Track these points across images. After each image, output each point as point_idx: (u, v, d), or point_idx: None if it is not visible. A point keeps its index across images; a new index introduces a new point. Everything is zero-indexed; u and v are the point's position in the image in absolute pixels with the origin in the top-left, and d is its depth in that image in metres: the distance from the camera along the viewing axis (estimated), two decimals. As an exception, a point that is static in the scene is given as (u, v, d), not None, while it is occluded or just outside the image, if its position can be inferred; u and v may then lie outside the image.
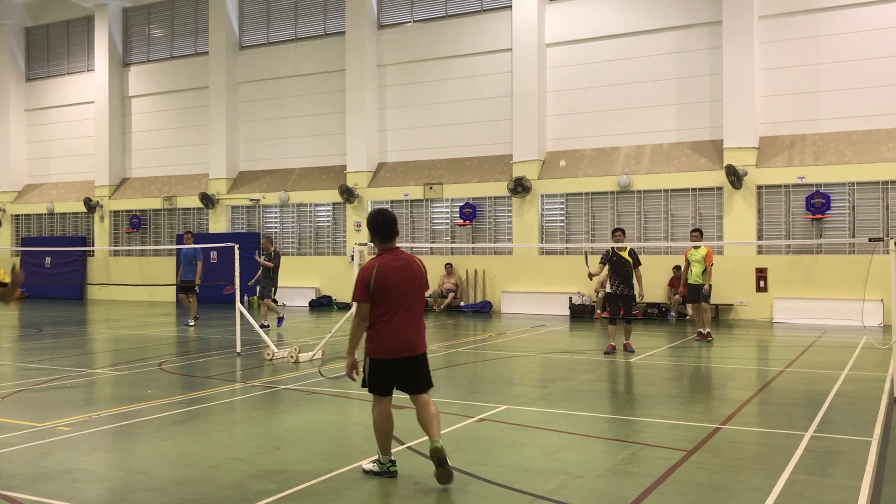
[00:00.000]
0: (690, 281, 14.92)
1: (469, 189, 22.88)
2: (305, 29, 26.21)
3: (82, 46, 30.91)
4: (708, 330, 14.85)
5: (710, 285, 15.01)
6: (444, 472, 5.79)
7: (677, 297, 19.47)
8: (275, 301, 17.45)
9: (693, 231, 15.14)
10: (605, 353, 13.00)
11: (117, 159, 29.53)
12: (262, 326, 17.02)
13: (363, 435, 7.46)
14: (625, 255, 13.03)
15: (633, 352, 12.95)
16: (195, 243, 19.69)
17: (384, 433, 6.08)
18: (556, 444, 7.08)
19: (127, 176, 29.76)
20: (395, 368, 6.00)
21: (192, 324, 18.01)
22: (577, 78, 21.84)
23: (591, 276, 13.56)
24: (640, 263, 13.30)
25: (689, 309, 18.52)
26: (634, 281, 13.19)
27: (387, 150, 24.69)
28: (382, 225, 6.05)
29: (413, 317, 6.08)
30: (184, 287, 18.26)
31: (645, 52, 21.05)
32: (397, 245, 6.13)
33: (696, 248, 14.75)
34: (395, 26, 24.56)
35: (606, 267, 13.26)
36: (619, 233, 13.10)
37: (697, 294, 14.88)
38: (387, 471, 6.11)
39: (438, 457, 5.79)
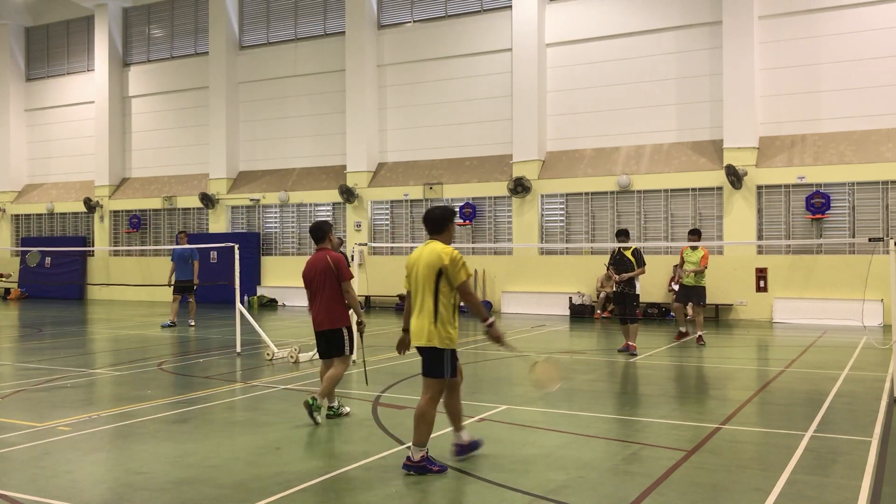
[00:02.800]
0: (685, 282, 14.59)
1: (469, 189, 22.88)
2: (305, 29, 26.22)
3: (82, 46, 30.91)
4: (684, 329, 14.59)
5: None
6: (312, 418, 7.74)
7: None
8: None
9: (691, 232, 14.62)
10: (619, 350, 13.05)
11: (117, 159, 29.54)
12: None
13: (363, 434, 7.47)
14: (628, 254, 13.00)
15: (636, 355, 12.77)
16: (189, 243, 19.67)
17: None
18: (556, 444, 7.08)
19: (127, 176, 29.77)
20: (318, 339, 8.12)
21: (193, 323, 17.98)
22: (577, 78, 21.84)
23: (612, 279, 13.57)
24: (643, 264, 13.21)
25: (690, 309, 18.53)
26: (636, 280, 13.14)
27: (387, 150, 24.70)
28: (317, 231, 8.21)
29: (320, 300, 7.93)
30: (179, 287, 17.99)
31: (645, 52, 21.05)
32: (325, 245, 8.14)
33: (693, 248, 14.40)
34: (395, 26, 24.56)
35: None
36: (623, 236, 13.21)
37: (689, 295, 14.58)
38: (335, 413, 8.06)
39: (306, 406, 7.74)
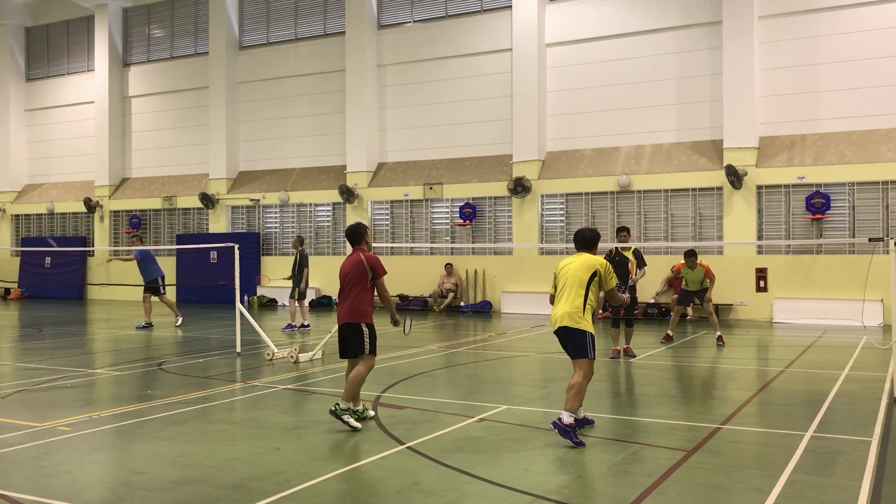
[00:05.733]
0: (689, 288, 14.55)
1: (469, 189, 22.88)
2: (305, 29, 26.22)
3: (82, 46, 30.91)
4: (671, 333, 14.62)
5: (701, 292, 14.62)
6: (346, 423, 7.62)
7: (675, 297, 19.46)
8: (298, 302, 17.43)
9: (688, 254, 14.27)
10: (611, 357, 12.53)
11: (117, 159, 29.54)
12: (302, 326, 17.38)
13: (363, 434, 7.47)
14: (628, 254, 12.63)
15: (635, 356, 12.63)
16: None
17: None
18: (556, 443, 7.08)
19: (127, 176, 29.77)
20: (339, 336, 8.08)
21: (179, 323, 17.84)
22: (577, 78, 21.84)
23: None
24: (644, 264, 13.01)
25: (689, 310, 18.61)
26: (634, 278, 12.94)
27: (387, 150, 24.70)
28: (353, 234, 8.25)
29: (346, 295, 7.98)
30: (149, 288, 17.96)
31: (645, 52, 21.05)
32: (361, 246, 8.16)
33: (690, 267, 14.16)
34: (395, 26, 24.56)
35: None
36: (624, 232, 12.70)
37: (694, 298, 14.76)
38: (360, 417, 7.88)
39: (333, 414, 7.65)
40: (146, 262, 18.00)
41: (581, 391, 7.27)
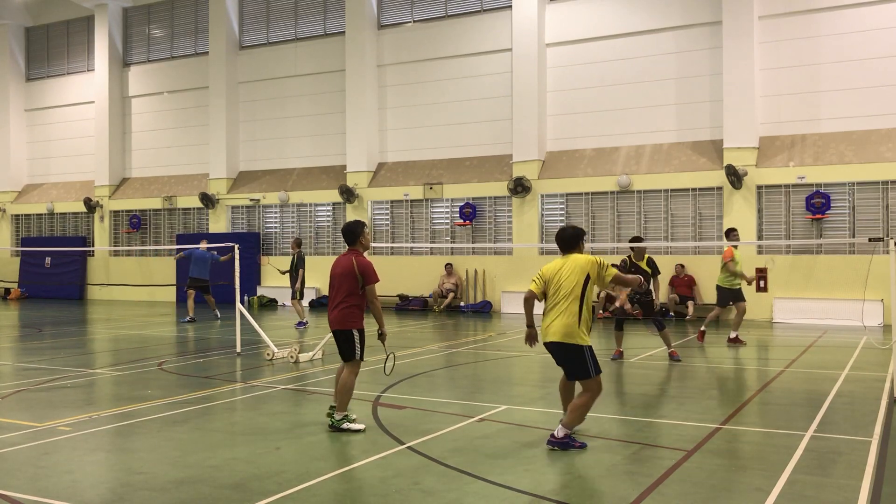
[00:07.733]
0: (723, 284, 14.26)
1: (469, 189, 22.88)
2: (305, 29, 26.22)
3: (82, 46, 30.91)
4: (736, 334, 14.24)
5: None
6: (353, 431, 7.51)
7: (674, 296, 19.49)
8: (299, 302, 18.67)
9: (730, 232, 14.38)
10: (612, 359, 12.47)
11: (117, 159, 29.54)
12: (301, 323, 18.27)
13: (363, 434, 7.47)
14: (643, 264, 12.57)
15: (680, 360, 12.26)
16: (188, 242, 21.00)
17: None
18: (556, 444, 7.08)
19: (127, 176, 29.77)
20: (335, 339, 7.92)
21: (220, 315, 19.59)
22: (577, 78, 21.84)
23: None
24: (659, 272, 12.88)
25: (690, 308, 18.60)
26: (651, 288, 12.89)
27: (387, 150, 24.70)
28: (347, 233, 8.00)
29: (336, 300, 7.82)
30: (195, 286, 19.65)
31: (645, 52, 21.05)
32: (356, 248, 7.95)
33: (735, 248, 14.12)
34: (395, 26, 24.56)
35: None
36: (638, 242, 12.64)
37: (726, 298, 14.35)
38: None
39: (332, 429, 7.54)
40: (204, 261, 19.71)
41: (586, 410, 6.95)
